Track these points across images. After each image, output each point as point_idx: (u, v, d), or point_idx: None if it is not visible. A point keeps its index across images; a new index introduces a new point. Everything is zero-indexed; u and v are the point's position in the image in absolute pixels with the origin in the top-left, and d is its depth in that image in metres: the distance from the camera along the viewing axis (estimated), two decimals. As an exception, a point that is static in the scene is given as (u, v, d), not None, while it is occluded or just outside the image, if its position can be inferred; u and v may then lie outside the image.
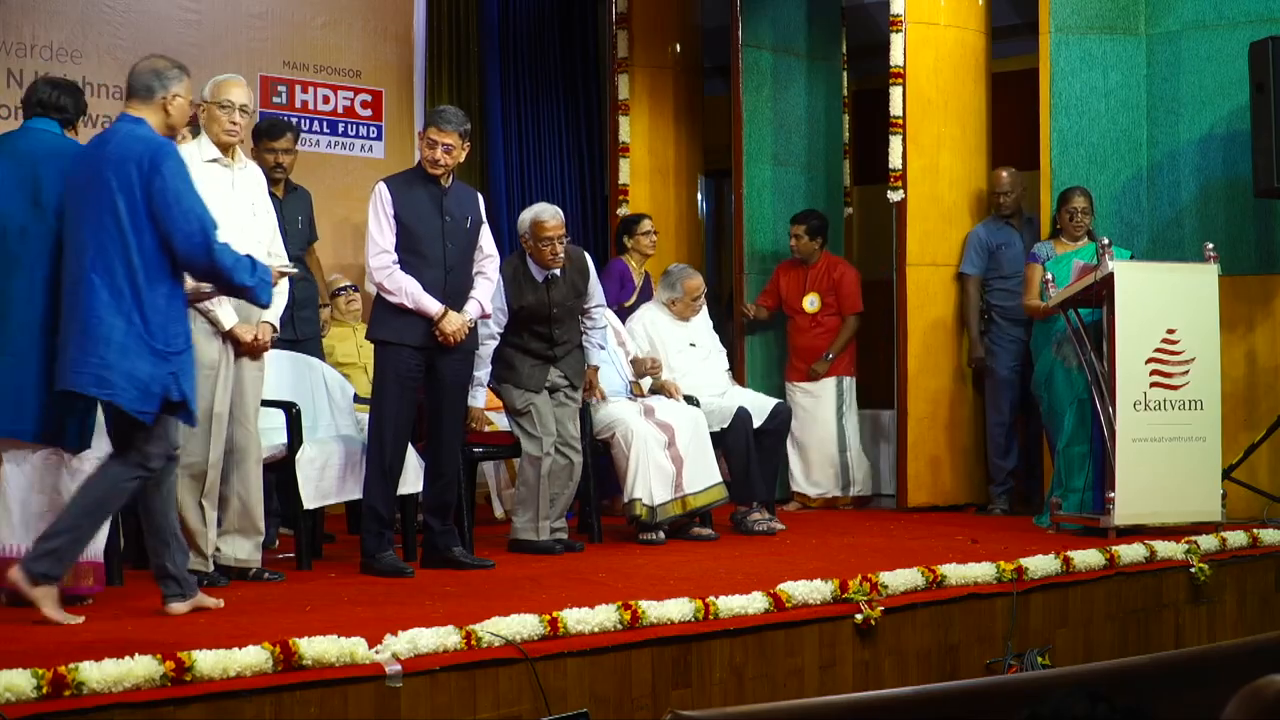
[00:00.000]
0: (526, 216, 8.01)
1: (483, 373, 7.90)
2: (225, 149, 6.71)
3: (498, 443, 8.14)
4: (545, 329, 8.03)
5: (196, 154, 6.61)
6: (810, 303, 10.27)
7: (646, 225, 10.00)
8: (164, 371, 5.64)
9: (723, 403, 8.92)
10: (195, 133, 6.87)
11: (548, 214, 7.97)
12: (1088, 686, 3.67)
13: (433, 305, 7.07)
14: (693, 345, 9.28)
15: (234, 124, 6.70)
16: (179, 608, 5.82)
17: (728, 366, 9.56)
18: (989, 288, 9.80)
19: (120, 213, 5.60)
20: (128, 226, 5.60)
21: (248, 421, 6.78)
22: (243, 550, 6.78)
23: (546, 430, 7.89)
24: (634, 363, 8.88)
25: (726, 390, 9.20)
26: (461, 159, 7.32)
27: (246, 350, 6.71)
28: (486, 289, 7.40)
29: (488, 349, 7.91)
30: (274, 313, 6.75)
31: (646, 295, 9.67)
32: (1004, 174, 9.85)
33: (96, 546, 6.05)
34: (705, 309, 9.51)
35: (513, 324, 8.00)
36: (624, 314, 9.36)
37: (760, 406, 8.99)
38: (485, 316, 7.45)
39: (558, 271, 8.04)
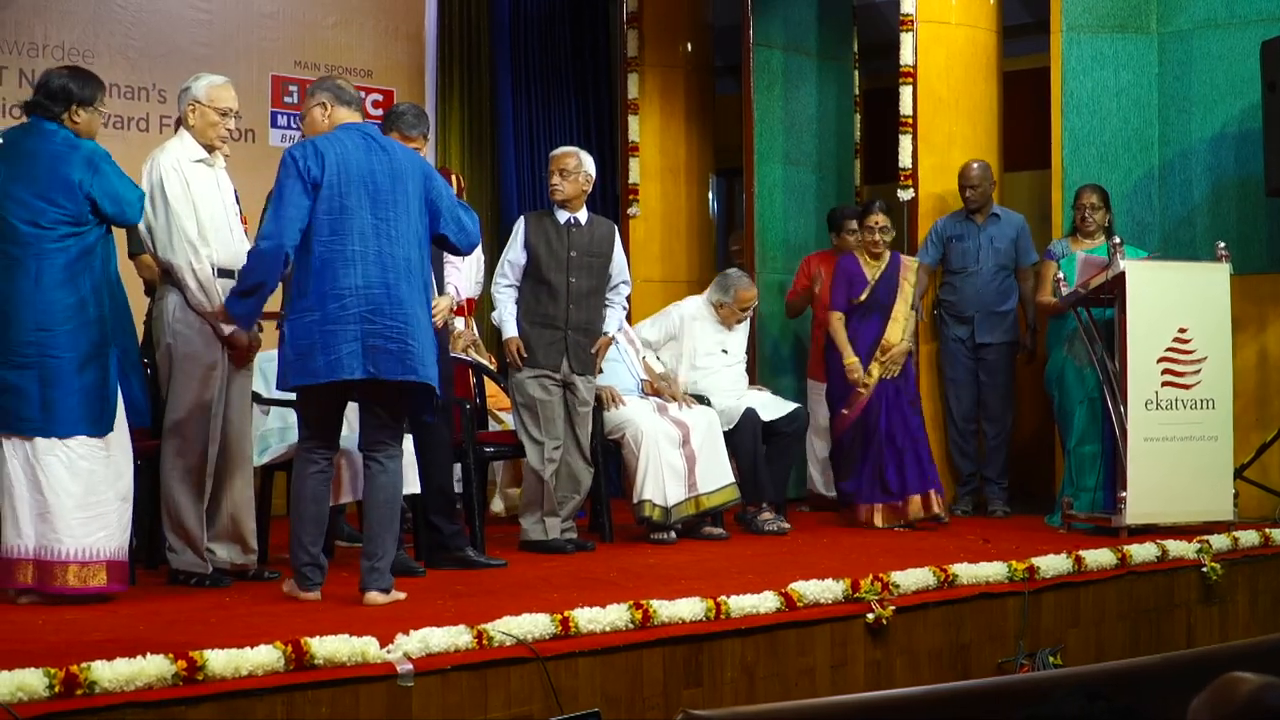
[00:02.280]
0: (552, 159, 8.09)
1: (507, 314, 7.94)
2: (210, 150, 6.73)
3: (507, 441, 8.13)
4: (562, 279, 7.93)
5: (183, 153, 6.63)
6: None
7: (878, 218, 9.23)
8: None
9: (734, 404, 8.89)
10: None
11: (561, 149, 8.14)
12: (1088, 686, 3.67)
13: None
14: (725, 351, 9.22)
15: (229, 129, 6.79)
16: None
17: (744, 375, 9.46)
18: (943, 282, 9.79)
19: (416, 215, 6.18)
20: (421, 228, 6.21)
21: (242, 424, 6.80)
22: (235, 554, 6.80)
23: (552, 433, 7.86)
24: (646, 367, 8.89)
25: (743, 394, 9.14)
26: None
27: (241, 354, 6.73)
28: (458, 277, 7.59)
29: (500, 305, 7.95)
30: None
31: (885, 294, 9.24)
32: (973, 166, 9.74)
33: (120, 544, 6.09)
34: (746, 328, 9.42)
35: (527, 283, 7.93)
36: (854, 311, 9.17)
37: (776, 408, 8.96)
38: (460, 312, 7.51)
39: (582, 221, 8.03)
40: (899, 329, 9.02)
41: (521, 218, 8.03)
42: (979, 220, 9.73)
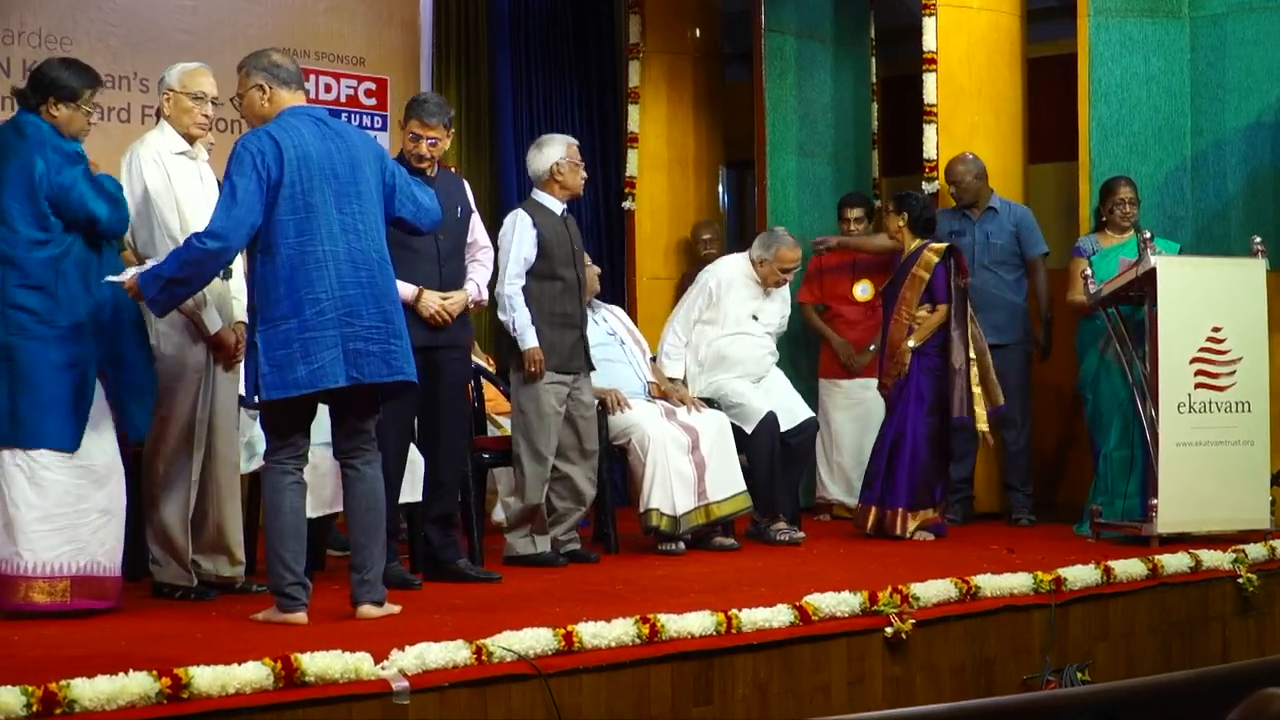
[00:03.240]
0: (556, 144, 7.99)
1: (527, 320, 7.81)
2: (191, 141, 6.73)
3: (507, 448, 8.12)
4: (573, 273, 7.90)
5: (164, 145, 6.63)
6: (862, 290, 10.12)
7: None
8: None
9: (752, 400, 8.79)
10: None
11: (572, 139, 8.09)
12: (1097, 705, 3.67)
13: (406, 289, 6.92)
14: (755, 319, 9.07)
15: (206, 116, 6.75)
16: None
17: (774, 352, 9.25)
18: None
19: (376, 202, 6.16)
20: (381, 216, 6.20)
21: (229, 431, 6.80)
22: (221, 566, 6.80)
23: (552, 450, 7.83)
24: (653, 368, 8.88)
25: (765, 377, 9.05)
26: (447, 147, 7.34)
27: (228, 355, 6.73)
28: (484, 274, 7.44)
29: (516, 310, 7.79)
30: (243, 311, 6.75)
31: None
32: (956, 165, 9.72)
33: (92, 559, 6.09)
34: (788, 291, 9.32)
35: (536, 281, 7.83)
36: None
37: (791, 411, 8.92)
38: (480, 304, 7.45)
39: (567, 212, 8.02)
40: (898, 324, 8.81)
41: (521, 211, 7.89)
42: (974, 215, 9.73)
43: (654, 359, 9.06)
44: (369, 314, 5.99)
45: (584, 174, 8.01)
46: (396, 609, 6.13)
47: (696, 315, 9.06)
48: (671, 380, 8.89)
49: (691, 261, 11.12)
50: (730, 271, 9.12)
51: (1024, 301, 9.72)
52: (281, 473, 6.05)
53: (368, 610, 6.06)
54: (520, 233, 7.80)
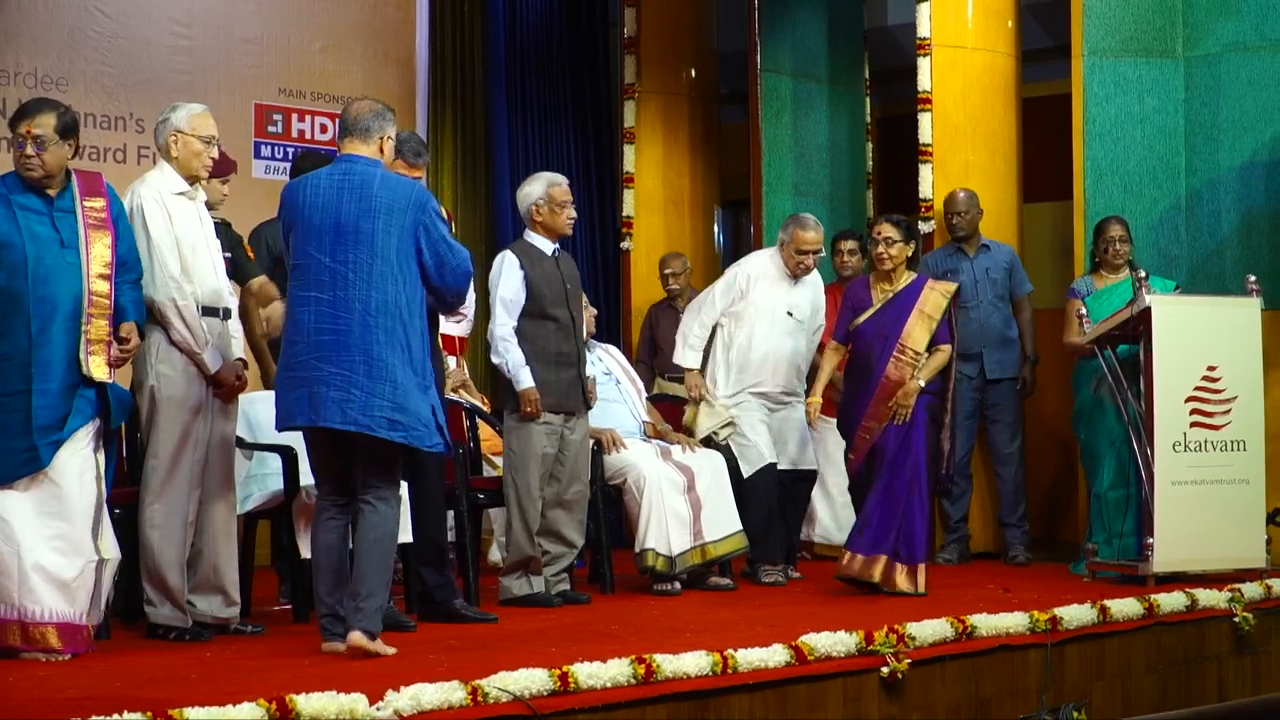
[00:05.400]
0: (539, 183, 7.96)
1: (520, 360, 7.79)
2: (192, 181, 6.77)
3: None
4: (566, 313, 7.89)
5: (164, 186, 6.67)
6: None
7: (882, 228, 8.45)
8: (432, 403, 6.31)
9: (760, 443, 8.68)
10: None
11: (560, 177, 8.04)
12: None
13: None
14: (790, 314, 8.87)
15: (212, 159, 6.82)
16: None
17: (811, 347, 8.99)
18: None
19: (393, 252, 6.20)
20: (401, 266, 6.23)
21: (227, 470, 6.83)
22: (216, 607, 6.78)
23: (539, 488, 7.81)
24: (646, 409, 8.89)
25: (787, 407, 8.84)
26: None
27: (228, 393, 6.76)
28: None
29: (509, 352, 7.79)
30: (241, 349, 6.91)
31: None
32: (959, 194, 9.77)
33: (79, 609, 6.11)
34: (819, 279, 9.06)
35: (528, 322, 7.82)
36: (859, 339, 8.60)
37: (795, 460, 8.84)
38: (451, 351, 7.52)
39: (560, 250, 8.01)
40: (899, 363, 8.19)
41: (508, 253, 7.90)
42: (969, 251, 9.77)
43: (650, 398, 9.07)
44: (339, 359, 6.12)
45: (571, 214, 7.95)
46: (390, 650, 6.13)
47: (723, 307, 8.90)
48: (688, 370, 8.89)
49: (659, 297, 11.09)
50: (758, 265, 8.99)
51: (1016, 336, 9.77)
52: (319, 509, 6.39)
53: (358, 638, 6.07)
54: (506, 274, 7.83)
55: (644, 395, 8.99)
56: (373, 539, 6.20)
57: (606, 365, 8.87)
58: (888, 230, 8.29)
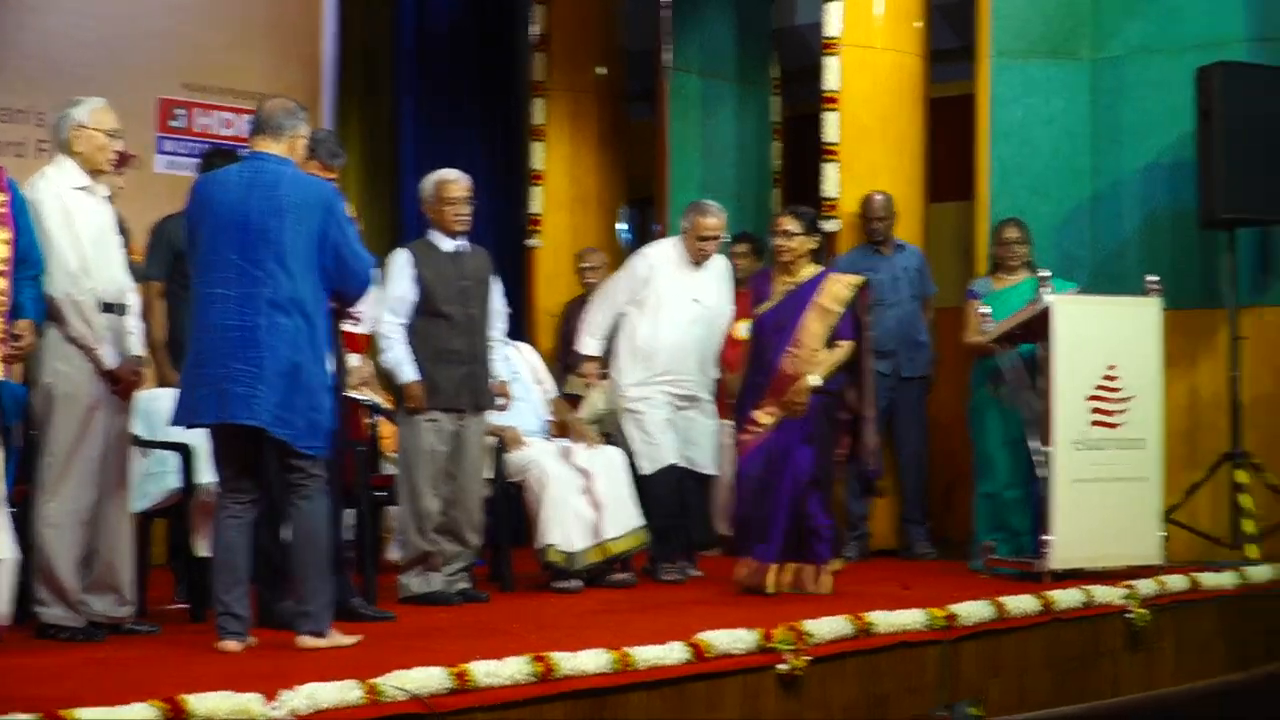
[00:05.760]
0: (429, 180, 7.99)
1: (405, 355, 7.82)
2: (95, 175, 6.74)
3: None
4: (462, 311, 7.87)
5: (62, 181, 6.63)
6: (744, 329, 10.09)
7: (782, 220, 8.31)
8: (328, 404, 6.35)
9: (663, 443, 8.67)
10: None
11: (453, 174, 7.99)
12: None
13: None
14: (696, 301, 8.84)
15: (116, 153, 6.79)
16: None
17: (716, 347, 8.99)
18: None
19: (299, 251, 6.20)
20: (307, 265, 6.22)
21: (122, 468, 6.78)
22: (110, 606, 6.72)
23: (438, 490, 7.82)
24: (555, 408, 8.90)
25: (695, 411, 8.82)
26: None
27: (125, 390, 6.73)
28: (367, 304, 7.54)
29: (390, 348, 7.84)
30: (140, 346, 6.86)
31: None
32: (878, 197, 9.82)
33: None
34: (725, 266, 9.03)
35: (421, 319, 7.83)
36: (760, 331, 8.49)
37: (695, 462, 8.82)
38: (355, 348, 7.51)
39: (467, 248, 8.00)
40: (793, 358, 8.01)
41: (403, 250, 7.94)
42: (886, 251, 9.84)
43: (560, 396, 9.08)
44: (246, 356, 6.12)
45: (460, 211, 7.91)
46: (348, 640, 6.25)
47: (627, 296, 8.88)
48: (588, 359, 8.90)
49: (565, 296, 11.11)
50: (661, 252, 8.98)
51: (928, 338, 9.85)
52: (219, 505, 6.37)
53: (303, 640, 6.17)
54: (395, 273, 7.88)
55: (549, 396, 9.00)
56: (304, 537, 6.26)
57: (515, 364, 8.88)
58: (787, 223, 8.16)
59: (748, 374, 8.27)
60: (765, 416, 8.06)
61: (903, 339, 9.71)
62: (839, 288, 8.08)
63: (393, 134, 11.70)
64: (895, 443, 9.85)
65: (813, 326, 8.02)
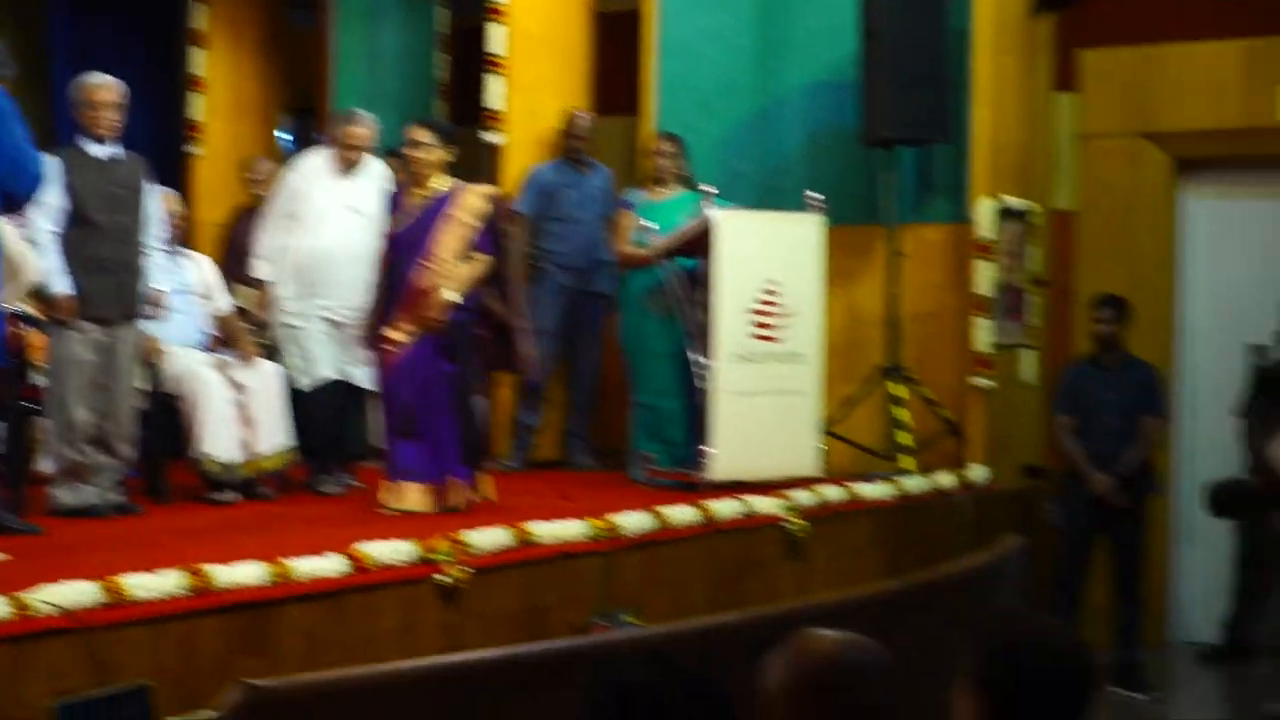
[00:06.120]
0: (77, 84, 7.71)
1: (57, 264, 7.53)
2: None
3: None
4: (112, 219, 7.63)
5: None
6: None
7: (414, 131, 8.09)
8: None
9: (319, 359, 8.61)
10: None
11: (101, 78, 7.70)
12: (653, 650, 3.80)
13: None
14: (355, 210, 8.62)
15: None
16: None
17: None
18: (542, 231, 9.77)
19: None
20: None
21: None
22: None
23: (89, 400, 7.59)
24: (222, 322, 8.76)
25: (352, 323, 8.56)
26: None
27: None
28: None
29: (51, 252, 7.52)
30: None
31: None
32: (583, 118, 9.88)
33: None
34: (385, 174, 8.79)
35: (72, 228, 7.55)
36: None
37: (351, 374, 8.70)
38: None
39: (120, 155, 7.76)
40: (427, 273, 7.78)
41: (53, 156, 7.67)
42: (585, 171, 9.88)
43: (234, 310, 8.92)
44: None
45: (110, 116, 7.63)
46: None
47: (284, 211, 8.73)
48: (259, 282, 8.77)
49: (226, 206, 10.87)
50: (311, 163, 8.85)
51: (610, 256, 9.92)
52: None
53: None
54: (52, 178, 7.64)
55: (219, 309, 8.83)
56: None
57: (187, 275, 8.71)
58: (418, 133, 7.94)
59: (380, 289, 8.03)
60: (399, 334, 7.84)
61: (589, 256, 9.74)
62: (474, 199, 7.92)
63: (45, 35, 11.33)
64: (574, 361, 9.91)
65: (446, 240, 7.83)
